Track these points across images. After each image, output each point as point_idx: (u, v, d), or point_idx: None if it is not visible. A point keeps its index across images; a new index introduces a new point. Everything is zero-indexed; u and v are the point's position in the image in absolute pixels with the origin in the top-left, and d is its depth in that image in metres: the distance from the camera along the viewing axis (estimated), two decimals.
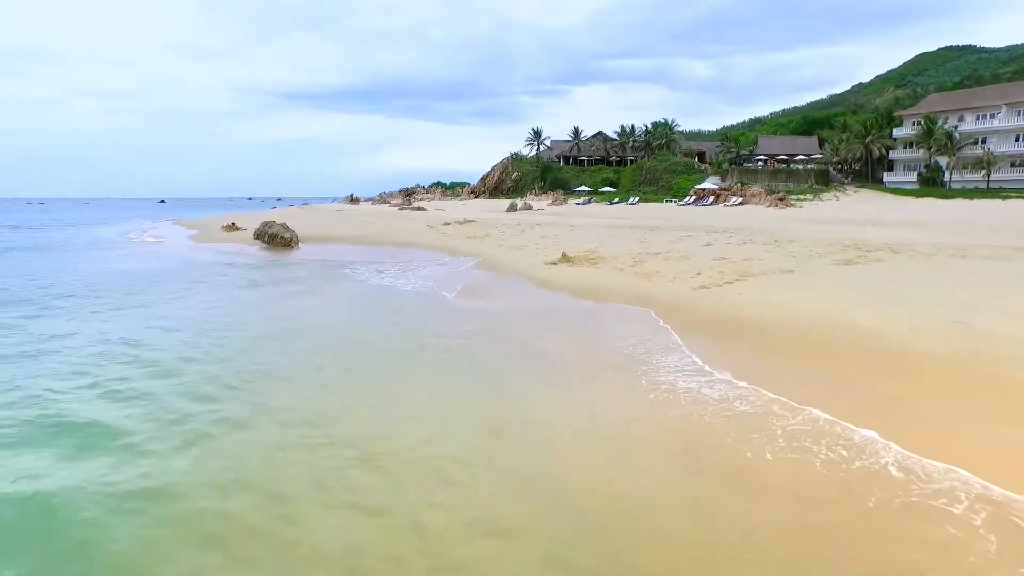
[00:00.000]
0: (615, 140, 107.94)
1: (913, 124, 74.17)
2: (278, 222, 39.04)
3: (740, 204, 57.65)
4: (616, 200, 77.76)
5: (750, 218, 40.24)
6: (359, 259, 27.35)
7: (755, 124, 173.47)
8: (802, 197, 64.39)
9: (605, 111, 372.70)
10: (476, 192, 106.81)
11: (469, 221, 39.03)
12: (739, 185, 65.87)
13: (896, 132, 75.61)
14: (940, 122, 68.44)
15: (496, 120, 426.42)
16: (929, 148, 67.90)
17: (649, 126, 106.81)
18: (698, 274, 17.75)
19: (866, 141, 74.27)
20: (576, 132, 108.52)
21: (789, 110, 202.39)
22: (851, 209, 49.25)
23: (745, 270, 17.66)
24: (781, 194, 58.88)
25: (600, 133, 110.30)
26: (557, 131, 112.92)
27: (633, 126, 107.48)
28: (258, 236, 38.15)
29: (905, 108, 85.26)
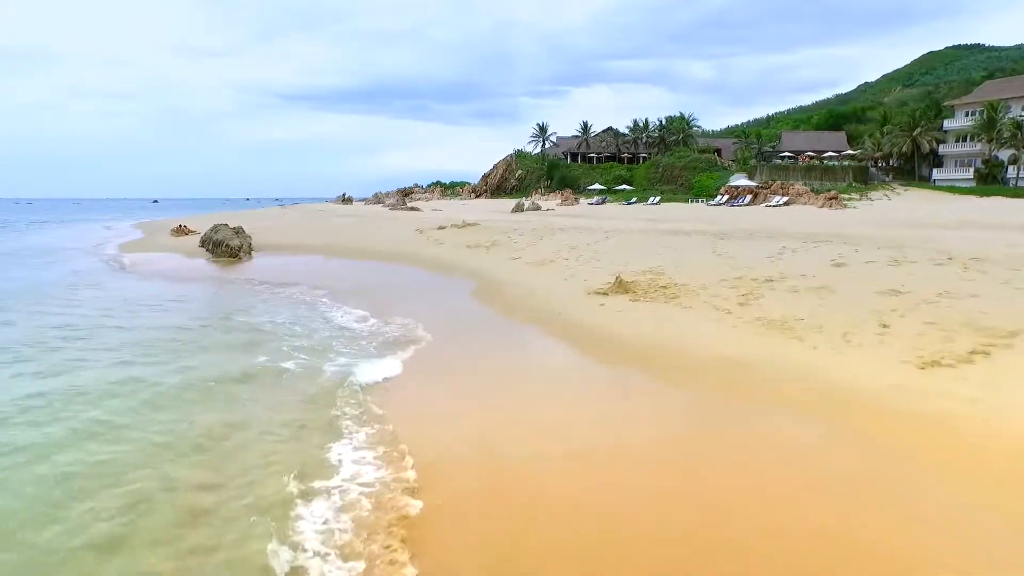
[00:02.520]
0: (627, 136, 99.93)
1: (967, 115, 66.20)
2: (231, 226, 31.09)
3: (785, 204, 49.62)
4: (634, 200, 69.76)
5: (816, 221, 32.24)
6: (306, 281, 19.23)
7: (769, 121, 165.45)
8: (848, 197, 56.43)
9: (606, 112, 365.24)
10: (477, 192, 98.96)
11: (470, 225, 31.06)
12: (777, 183, 57.82)
13: (946, 124, 67.60)
14: (1002, 112, 60.39)
15: (497, 121, 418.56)
16: (990, 141, 59.86)
17: (663, 120, 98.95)
18: (884, 327, 9.76)
19: (914, 134, 66.23)
20: (585, 127, 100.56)
21: (795, 110, 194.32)
22: (922, 210, 41.15)
23: (975, 319, 9.64)
24: (833, 193, 50.81)
25: (610, 128, 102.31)
26: (559, 131, 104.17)
27: (647, 120, 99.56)
28: (203, 243, 30.21)
29: (938, 103, 76.87)
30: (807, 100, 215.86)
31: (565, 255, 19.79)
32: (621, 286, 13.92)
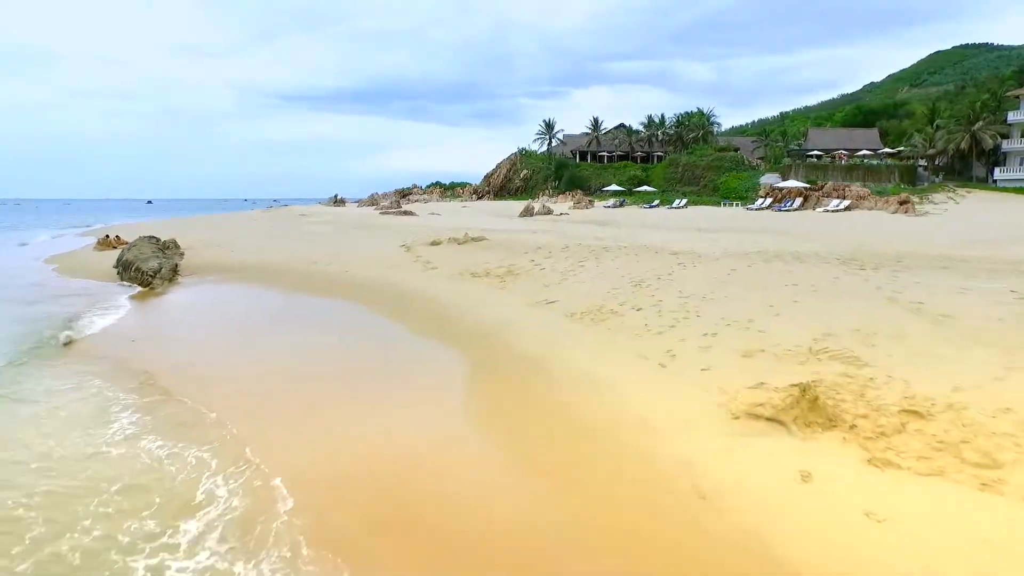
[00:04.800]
0: (640, 133, 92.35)
1: None
2: (159, 240, 23.47)
3: (846, 209, 41.92)
4: (656, 203, 62.22)
5: (930, 234, 24.70)
6: (210, 350, 11.44)
7: (784, 119, 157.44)
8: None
9: (605, 113, 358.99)
10: (479, 193, 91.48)
11: (474, 239, 23.44)
12: (829, 184, 50.23)
13: (1011, 116, 59.90)
14: None
15: (496, 122, 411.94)
16: None
17: (679, 117, 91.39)
18: None
19: (974, 128, 58.57)
20: (595, 124, 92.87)
21: (801, 110, 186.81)
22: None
23: None
24: (905, 196, 43.12)
25: (623, 125, 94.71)
26: (560, 132, 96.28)
27: (663, 116, 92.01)
28: (117, 263, 22.58)
29: (995, 93, 68.79)
30: (809, 101, 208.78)
31: (631, 299, 12.11)
32: (814, 409, 6.26)
